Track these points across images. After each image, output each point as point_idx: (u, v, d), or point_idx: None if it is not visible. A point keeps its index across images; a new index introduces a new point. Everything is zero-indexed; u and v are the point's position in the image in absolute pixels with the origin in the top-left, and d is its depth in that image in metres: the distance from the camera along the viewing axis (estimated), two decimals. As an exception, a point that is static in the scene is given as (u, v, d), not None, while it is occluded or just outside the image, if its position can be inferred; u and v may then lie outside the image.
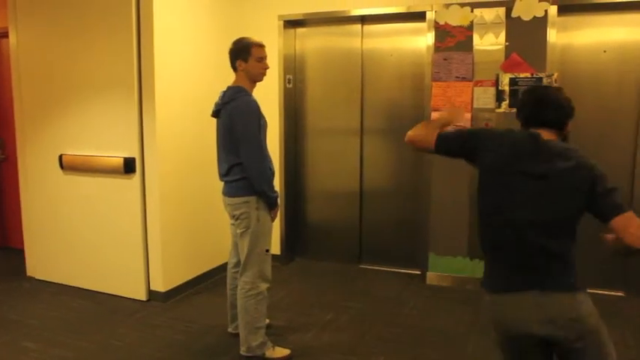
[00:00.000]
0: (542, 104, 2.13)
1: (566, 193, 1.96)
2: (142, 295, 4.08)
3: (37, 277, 4.55)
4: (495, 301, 2.00)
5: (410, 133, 2.23)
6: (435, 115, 2.31)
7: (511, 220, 1.96)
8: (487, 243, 2.06)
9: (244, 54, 3.02)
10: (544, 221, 1.95)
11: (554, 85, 3.93)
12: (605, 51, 4.04)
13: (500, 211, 1.99)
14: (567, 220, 2.00)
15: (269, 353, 3.11)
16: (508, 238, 1.96)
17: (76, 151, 4.18)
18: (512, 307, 1.95)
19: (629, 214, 1.93)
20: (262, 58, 3.07)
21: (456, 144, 2.16)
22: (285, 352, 3.16)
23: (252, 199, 2.99)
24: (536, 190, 1.95)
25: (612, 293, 4.16)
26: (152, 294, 4.08)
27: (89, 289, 4.27)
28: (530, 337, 1.93)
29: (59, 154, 4.23)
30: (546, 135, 2.08)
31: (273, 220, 3.13)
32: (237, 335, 3.23)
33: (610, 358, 1.89)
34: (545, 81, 3.95)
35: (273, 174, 3.07)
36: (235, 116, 2.93)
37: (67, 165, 4.22)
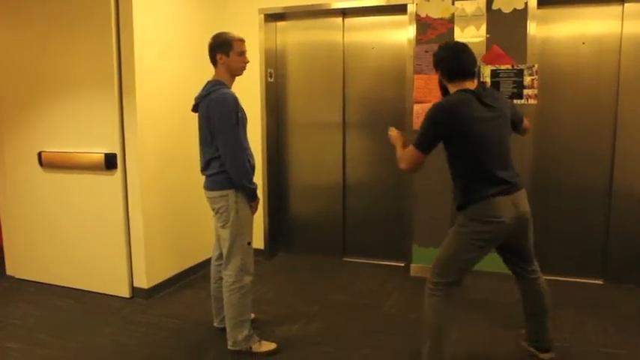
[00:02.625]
0: (464, 58, 2.67)
1: None
2: (125, 292, 4.05)
3: (17, 277, 4.49)
4: None
5: (405, 166, 2.65)
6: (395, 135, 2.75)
7: None
8: None
9: (225, 48, 3.01)
10: None
11: (535, 75, 3.98)
12: (584, 43, 4.09)
13: None
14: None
15: (255, 347, 3.11)
16: None
17: (55, 147, 4.13)
18: None
19: None
20: (243, 53, 3.07)
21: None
22: (272, 345, 3.17)
23: (231, 192, 2.99)
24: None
25: (591, 281, 4.22)
26: (136, 291, 4.05)
27: (71, 287, 4.22)
28: None
29: (38, 151, 4.17)
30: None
31: (253, 212, 3.12)
32: (223, 330, 3.24)
33: None
34: (526, 72, 3.99)
35: (253, 167, 3.07)
36: (212, 109, 2.93)
37: (46, 162, 4.16)
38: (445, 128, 2.54)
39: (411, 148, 2.62)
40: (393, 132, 2.89)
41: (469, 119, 2.52)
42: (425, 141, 2.58)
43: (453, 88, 2.67)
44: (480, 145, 2.56)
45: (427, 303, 2.69)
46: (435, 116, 2.56)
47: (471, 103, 2.54)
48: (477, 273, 4.24)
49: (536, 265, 2.86)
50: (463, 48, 2.71)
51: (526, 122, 2.98)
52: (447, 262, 2.68)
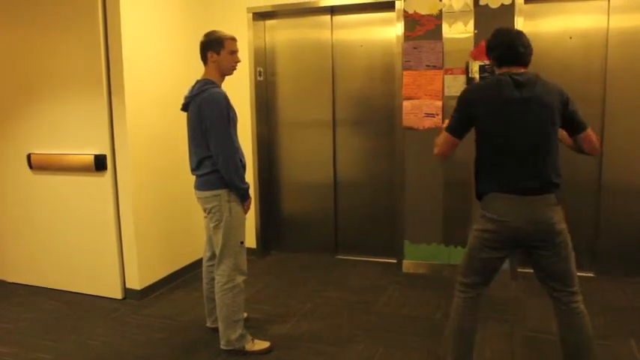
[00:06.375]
0: (512, 46, 2.48)
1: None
2: (117, 294, 4.03)
3: (8, 280, 4.47)
4: None
5: (436, 150, 2.56)
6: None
7: None
8: None
9: (217, 46, 3.01)
10: None
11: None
12: (571, 37, 4.11)
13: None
14: None
15: (249, 346, 3.11)
16: None
17: (44, 149, 4.10)
18: None
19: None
20: (235, 52, 3.07)
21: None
22: (265, 344, 3.17)
23: (223, 192, 2.98)
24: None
25: (582, 274, 4.23)
26: (128, 292, 4.04)
27: (64, 289, 4.21)
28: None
29: (27, 153, 4.15)
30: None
31: (245, 212, 3.12)
32: (216, 330, 3.23)
33: None
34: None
35: (244, 166, 3.06)
36: (204, 108, 2.92)
37: (35, 164, 4.13)
38: (467, 110, 2.43)
39: (443, 132, 2.53)
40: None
41: (495, 99, 2.38)
42: (453, 123, 2.49)
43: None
44: (503, 130, 2.37)
45: (453, 302, 2.60)
46: (461, 96, 2.48)
47: (502, 84, 2.39)
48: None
49: (574, 288, 2.48)
50: (513, 37, 2.50)
51: (591, 135, 2.52)
52: (467, 261, 2.56)
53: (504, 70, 2.48)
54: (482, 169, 2.49)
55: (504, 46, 2.49)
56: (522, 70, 2.47)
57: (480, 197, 2.51)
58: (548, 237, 2.38)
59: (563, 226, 2.41)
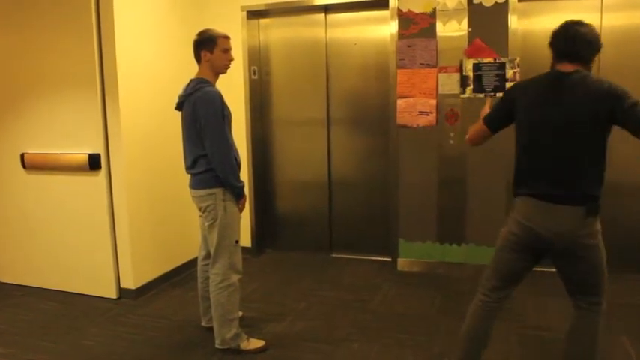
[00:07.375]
0: (563, 40, 2.32)
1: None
2: (112, 293, 4.03)
3: (2, 281, 4.45)
4: None
5: (467, 137, 2.58)
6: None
7: None
8: None
9: (210, 45, 3.00)
10: None
11: (517, 68, 4.00)
12: (564, 35, 4.12)
13: None
14: None
15: (244, 345, 3.12)
16: None
17: (38, 149, 4.09)
18: None
19: None
20: (228, 50, 3.06)
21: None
22: (260, 343, 3.17)
23: (219, 190, 2.98)
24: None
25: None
26: (123, 291, 4.04)
27: (58, 289, 4.20)
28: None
29: (21, 152, 4.14)
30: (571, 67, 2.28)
31: (240, 210, 3.12)
32: (211, 329, 3.23)
33: None
34: (508, 65, 4.01)
35: (239, 165, 3.06)
36: (199, 107, 2.91)
37: (29, 164, 4.12)
38: (507, 103, 2.38)
39: (479, 120, 2.51)
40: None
41: (533, 97, 2.29)
42: (492, 114, 2.47)
43: None
44: (535, 131, 2.27)
45: (471, 304, 2.50)
46: (508, 89, 2.45)
47: (543, 82, 2.30)
48: (464, 265, 4.32)
49: (594, 298, 2.35)
50: (570, 31, 2.30)
51: None
52: (492, 262, 2.46)
53: (556, 65, 2.34)
54: (516, 170, 2.40)
55: (558, 39, 2.33)
56: (573, 68, 2.26)
57: (513, 197, 2.43)
58: (569, 249, 2.25)
59: (591, 241, 2.23)
